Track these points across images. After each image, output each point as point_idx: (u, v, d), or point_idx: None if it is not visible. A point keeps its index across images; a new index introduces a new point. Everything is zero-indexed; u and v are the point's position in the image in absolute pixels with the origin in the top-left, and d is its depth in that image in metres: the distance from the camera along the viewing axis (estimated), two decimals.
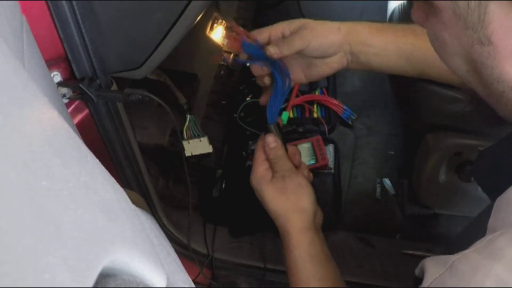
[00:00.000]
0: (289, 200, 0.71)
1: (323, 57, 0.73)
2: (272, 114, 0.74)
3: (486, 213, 0.43)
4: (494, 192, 0.43)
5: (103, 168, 0.28)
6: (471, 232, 0.48)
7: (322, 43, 0.71)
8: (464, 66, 0.42)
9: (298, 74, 0.76)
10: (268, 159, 0.75)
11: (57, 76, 0.54)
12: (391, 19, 1.02)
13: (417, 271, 0.47)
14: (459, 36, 0.40)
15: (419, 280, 0.45)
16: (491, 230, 0.41)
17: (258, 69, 0.72)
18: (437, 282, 0.40)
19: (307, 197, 0.71)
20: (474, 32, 0.38)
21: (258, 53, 0.68)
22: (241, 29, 0.70)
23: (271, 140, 0.74)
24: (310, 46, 0.70)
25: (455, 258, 0.40)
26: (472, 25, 0.37)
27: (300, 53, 0.71)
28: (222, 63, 1.21)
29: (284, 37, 0.72)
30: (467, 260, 0.39)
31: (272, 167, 0.74)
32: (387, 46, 0.71)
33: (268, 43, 0.71)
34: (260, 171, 0.73)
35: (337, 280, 0.68)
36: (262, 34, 0.71)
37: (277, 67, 0.69)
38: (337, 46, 0.72)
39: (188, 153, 0.93)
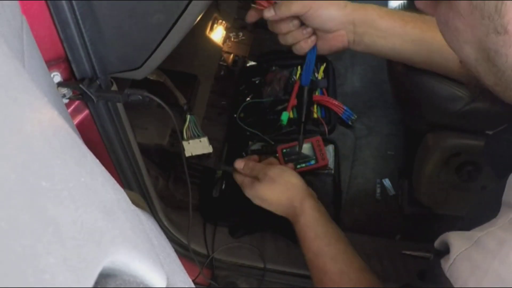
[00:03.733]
0: (280, 184, 0.79)
1: (322, 29, 0.73)
2: (306, 76, 0.90)
3: (499, 188, 0.44)
4: (504, 171, 0.45)
5: (103, 168, 0.28)
6: (484, 205, 0.49)
7: (321, 14, 0.70)
8: (474, 55, 0.42)
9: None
10: (246, 175, 0.84)
11: (57, 77, 0.54)
12: None
13: (436, 244, 0.49)
14: (473, 25, 0.40)
15: (439, 252, 0.47)
16: (507, 204, 0.43)
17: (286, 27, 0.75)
18: (464, 256, 0.42)
19: (292, 175, 0.81)
20: (490, 21, 0.38)
21: None
22: None
23: (238, 164, 0.86)
24: (308, 14, 0.70)
25: (480, 234, 0.42)
26: (489, 14, 0.38)
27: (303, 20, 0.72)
28: (222, 63, 1.21)
29: None
30: (493, 236, 0.41)
31: (255, 177, 0.83)
32: (394, 29, 0.71)
33: None
34: (249, 185, 0.83)
35: (340, 238, 0.74)
36: None
37: None
38: (338, 21, 0.71)
39: (188, 153, 0.93)
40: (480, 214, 0.46)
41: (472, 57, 0.43)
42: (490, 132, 0.53)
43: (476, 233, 0.42)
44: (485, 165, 0.92)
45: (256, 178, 0.83)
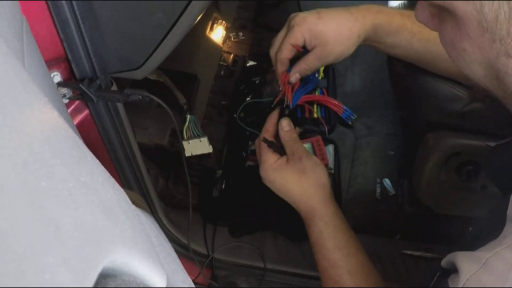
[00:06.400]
0: (310, 178, 0.73)
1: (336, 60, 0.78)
2: (295, 98, 0.83)
3: (503, 204, 0.44)
4: (508, 186, 0.44)
5: (103, 168, 0.28)
6: (490, 222, 0.49)
7: (339, 53, 0.74)
8: (482, 72, 0.41)
9: None
10: (282, 141, 0.77)
11: (57, 77, 0.54)
12: None
13: (443, 263, 0.48)
14: (483, 47, 0.38)
15: (446, 271, 0.46)
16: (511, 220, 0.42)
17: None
18: (473, 280, 0.41)
19: (324, 174, 0.75)
20: (502, 45, 0.37)
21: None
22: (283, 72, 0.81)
23: (285, 124, 0.78)
24: (327, 61, 0.75)
25: (488, 255, 0.41)
26: (501, 38, 0.37)
27: None
28: (222, 63, 1.21)
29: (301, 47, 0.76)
30: (502, 257, 0.40)
31: (286, 149, 0.77)
32: (400, 43, 0.73)
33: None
34: (273, 162, 0.76)
35: (359, 249, 0.71)
36: (283, 62, 0.79)
37: None
38: (353, 47, 0.74)
39: (188, 153, 0.93)
40: (486, 230, 0.46)
41: (480, 74, 0.41)
42: (492, 144, 0.51)
43: (483, 254, 0.41)
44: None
45: (281, 153, 0.76)
